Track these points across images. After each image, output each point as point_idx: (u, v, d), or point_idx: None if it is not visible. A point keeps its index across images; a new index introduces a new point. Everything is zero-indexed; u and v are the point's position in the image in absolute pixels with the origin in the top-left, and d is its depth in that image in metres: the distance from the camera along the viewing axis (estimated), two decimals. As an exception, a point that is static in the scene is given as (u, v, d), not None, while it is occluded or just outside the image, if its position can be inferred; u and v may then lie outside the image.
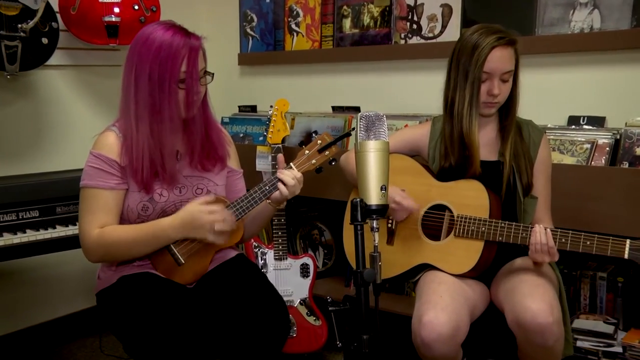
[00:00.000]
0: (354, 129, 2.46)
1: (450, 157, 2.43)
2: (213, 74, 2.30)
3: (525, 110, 2.49)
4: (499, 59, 2.30)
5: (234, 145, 2.53)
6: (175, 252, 2.26)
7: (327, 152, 2.34)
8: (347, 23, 3.53)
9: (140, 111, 2.19)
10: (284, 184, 2.28)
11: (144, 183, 2.23)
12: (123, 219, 2.29)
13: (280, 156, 2.44)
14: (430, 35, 3.25)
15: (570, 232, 2.21)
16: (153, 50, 2.15)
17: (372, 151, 1.81)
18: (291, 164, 2.32)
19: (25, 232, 2.75)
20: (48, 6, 2.96)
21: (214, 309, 2.20)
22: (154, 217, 2.27)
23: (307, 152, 2.33)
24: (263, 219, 2.47)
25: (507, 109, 2.42)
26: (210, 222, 2.18)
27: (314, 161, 2.33)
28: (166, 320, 2.09)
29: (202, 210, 2.19)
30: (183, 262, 2.27)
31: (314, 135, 2.38)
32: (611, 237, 2.15)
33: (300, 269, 3.24)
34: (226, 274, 2.30)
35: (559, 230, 2.22)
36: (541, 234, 2.23)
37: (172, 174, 2.26)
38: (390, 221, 2.57)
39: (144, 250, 2.23)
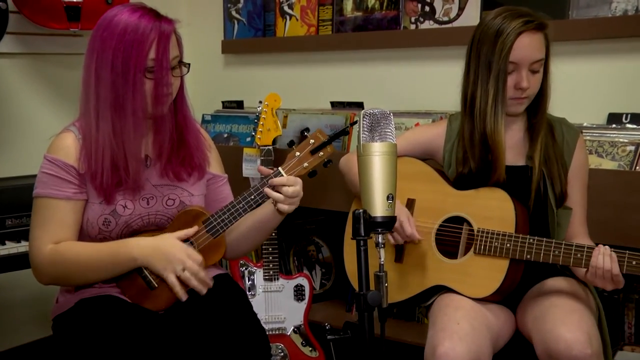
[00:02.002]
0: (352, 124, 2.46)
1: (470, 162, 2.43)
2: (189, 64, 2.29)
3: (557, 106, 2.48)
4: (527, 46, 2.29)
5: (216, 150, 2.52)
6: (147, 273, 2.25)
7: (321, 153, 2.31)
8: (348, 5, 3.52)
9: (102, 106, 2.19)
10: (278, 192, 2.25)
11: (104, 190, 2.21)
12: (82, 235, 2.28)
13: (261, 167, 2.36)
14: (446, 19, 3.25)
15: (611, 249, 2.19)
16: (117, 34, 2.15)
17: (377, 154, 1.80)
18: (279, 168, 2.30)
19: (-32, 250, 2.74)
20: (-6, -18, 2.95)
21: (184, 341, 2.19)
22: (117, 232, 2.27)
23: (297, 153, 2.31)
24: (266, 229, 2.43)
25: (536, 105, 2.41)
26: (180, 262, 2.17)
27: (306, 164, 2.31)
28: (128, 354, 2.08)
29: (182, 247, 2.19)
30: (156, 285, 2.26)
31: (305, 133, 2.36)
32: (660, 256, 2.14)
33: (294, 291, 3.24)
34: (203, 299, 2.29)
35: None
36: (604, 257, 2.19)
37: (136, 179, 2.24)
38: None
39: (104, 272, 2.22)
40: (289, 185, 2.26)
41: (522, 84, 2.32)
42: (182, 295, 2.18)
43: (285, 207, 2.27)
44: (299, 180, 2.29)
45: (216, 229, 2.28)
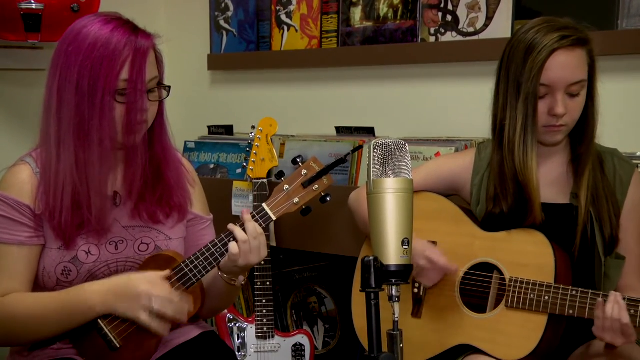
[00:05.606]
0: (354, 150, 2.44)
1: (501, 200, 2.43)
2: (169, 87, 2.29)
3: (607, 134, 2.49)
4: (562, 66, 2.29)
5: (200, 186, 2.52)
6: (107, 331, 2.22)
7: (316, 186, 2.28)
8: (356, 14, 3.54)
9: (63, 133, 2.18)
10: (236, 240, 2.21)
11: (64, 233, 2.20)
12: (39, 287, 2.26)
13: (244, 210, 2.29)
14: (471, 30, 3.26)
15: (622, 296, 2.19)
16: (84, 49, 2.14)
17: (390, 192, 1.78)
18: (264, 205, 2.27)
19: None
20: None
21: None
22: (79, 283, 2.25)
23: (286, 187, 2.27)
24: (216, 295, 2.39)
25: (581, 132, 2.41)
26: (147, 294, 2.13)
27: (296, 199, 2.27)
28: None
29: (139, 278, 2.16)
30: (118, 345, 2.24)
31: (298, 160, 2.31)
32: None
33: (293, 351, 3.24)
34: (183, 360, 2.27)
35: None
36: (613, 306, 2.19)
37: (101, 219, 2.22)
38: (417, 285, 2.56)
39: (57, 326, 2.20)
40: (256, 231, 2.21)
41: (557, 109, 2.31)
42: (164, 331, 2.16)
43: (233, 250, 2.19)
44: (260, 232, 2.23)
45: (188, 276, 2.24)
